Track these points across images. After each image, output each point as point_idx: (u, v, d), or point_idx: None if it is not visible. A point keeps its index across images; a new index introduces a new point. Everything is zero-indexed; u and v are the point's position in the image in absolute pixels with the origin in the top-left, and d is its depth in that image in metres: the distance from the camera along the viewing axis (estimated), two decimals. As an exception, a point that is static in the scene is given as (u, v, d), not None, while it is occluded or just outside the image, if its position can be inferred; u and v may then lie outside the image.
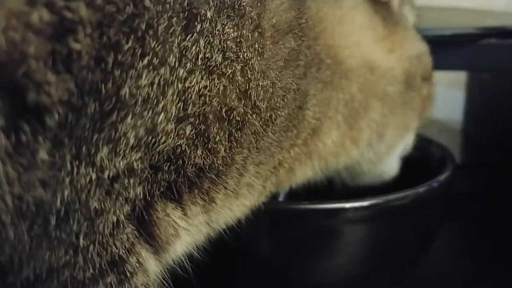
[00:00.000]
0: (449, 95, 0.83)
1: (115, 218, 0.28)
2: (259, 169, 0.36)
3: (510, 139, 0.73)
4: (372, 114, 0.45)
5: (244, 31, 0.31)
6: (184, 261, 0.35)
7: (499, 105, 0.77)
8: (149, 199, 0.29)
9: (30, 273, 0.26)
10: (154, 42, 0.26)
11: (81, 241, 0.27)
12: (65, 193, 0.25)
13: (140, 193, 0.28)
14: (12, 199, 0.24)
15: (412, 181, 0.50)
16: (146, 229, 0.30)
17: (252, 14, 0.31)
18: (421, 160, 0.53)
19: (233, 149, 0.32)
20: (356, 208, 0.43)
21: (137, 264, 0.29)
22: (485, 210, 0.70)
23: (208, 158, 0.31)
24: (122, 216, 0.28)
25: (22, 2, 0.22)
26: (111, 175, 0.27)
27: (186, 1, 0.28)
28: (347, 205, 0.43)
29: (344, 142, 0.44)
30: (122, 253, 0.28)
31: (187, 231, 0.32)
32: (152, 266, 0.31)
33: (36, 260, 0.26)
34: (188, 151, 0.30)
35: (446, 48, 0.58)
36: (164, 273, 0.33)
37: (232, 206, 0.36)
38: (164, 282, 0.33)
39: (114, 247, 0.28)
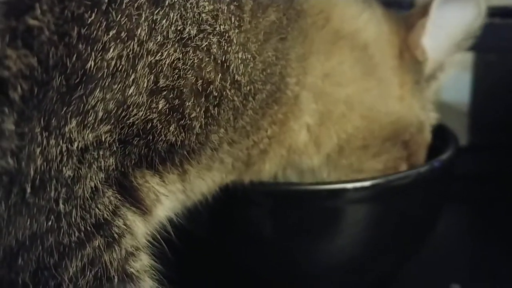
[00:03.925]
0: (455, 77, 0.82)
1: (93, 184, 0.29)
2: (231, 148, 0.36)
3: (517, 120, 0.73)
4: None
5: (221, 5, 0.31)
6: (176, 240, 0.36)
7: (506, 86, 0.76)
8: (123, 170, 0.30)
9: (12, 240, 0.27)
10: (119, 15, 0.27)
11: (61, 206, 0.28)
12: (37, 163, 0.26)
13: (112, 163, 0.29)
14: None
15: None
16: (130, 193, 0.31)
17: None
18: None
19: (208, 126, 0.32)
20: (357, 188, 0.43)
21: (124, 226, 0.30)
22: (492, 192, 0.70)
23: (181, 135, 0.31)
24: (99, 182, 0.29)
25: None
26: (79, 146, 0.28)
27: None
28: (349, 185, 0.43)
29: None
30: (107, 215, 0.29)
31: (166, 196, 0.33)
32: (140, 227, 0.31)
33: (17, 227, 0.27)
34: (160, 127, 0.30)
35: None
36: (154, 238, 0.33)
37: (205, 177, 0.36)
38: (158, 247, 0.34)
39: (97, 210, 0.29)
